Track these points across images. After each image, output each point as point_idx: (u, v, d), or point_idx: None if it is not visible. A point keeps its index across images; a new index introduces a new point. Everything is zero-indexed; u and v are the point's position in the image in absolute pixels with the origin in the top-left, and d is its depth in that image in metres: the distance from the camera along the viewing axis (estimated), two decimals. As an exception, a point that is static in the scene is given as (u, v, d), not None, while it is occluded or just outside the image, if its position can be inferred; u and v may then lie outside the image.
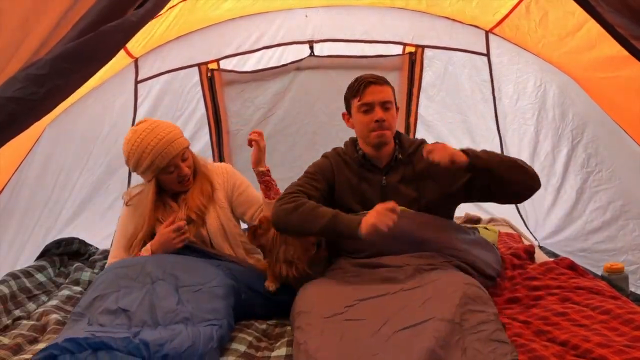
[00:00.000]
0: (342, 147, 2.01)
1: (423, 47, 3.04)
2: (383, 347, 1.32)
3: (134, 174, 2.92)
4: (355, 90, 1.88)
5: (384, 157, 1.92)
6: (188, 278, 1.69)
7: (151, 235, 1.95)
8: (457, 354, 1.27)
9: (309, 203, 1.75)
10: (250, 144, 2.04)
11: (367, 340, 1.35)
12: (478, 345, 1.30)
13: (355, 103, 1.88)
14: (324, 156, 2.00)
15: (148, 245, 1.89)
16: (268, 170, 2.06)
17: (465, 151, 1.70)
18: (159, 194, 1.99)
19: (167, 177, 1.95)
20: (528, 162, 2.92)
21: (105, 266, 2.03)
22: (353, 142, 1.98)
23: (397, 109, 1.94)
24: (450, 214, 1.98)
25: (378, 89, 1.85)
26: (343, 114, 1.99)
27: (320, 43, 3.03)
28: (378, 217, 1.59)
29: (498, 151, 3.10)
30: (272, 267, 1.83)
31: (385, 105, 1.85)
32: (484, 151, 1.75)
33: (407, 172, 1.89)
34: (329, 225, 1.68)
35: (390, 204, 1.62)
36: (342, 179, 1.92)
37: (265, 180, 2.04)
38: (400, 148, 1.93)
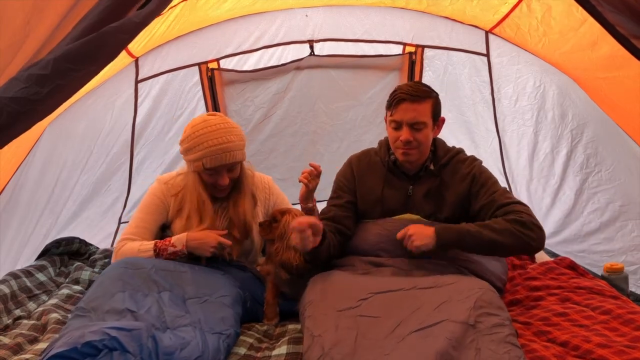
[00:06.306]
0: (376, 146, 1.97)
1: (423, 47, 3.04)
2: (396, 348, 1.32)
3: (134, 174, 2.95)
4: (389, 102, 1.82)
5: (415, 166, 1.86)
6: (194, 290, 1.69)
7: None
8: (470, 354, 1.28)
9: None
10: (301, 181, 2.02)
11: (381, 341, 1.36)
12: (493, 346, 1.30)
13: (388, 116, 1.83)
14: (347, 162, 1.98)
15: (184, 236, 1.86)
16: (314, 206, 2.04)
17: (438, 233, 1.65)
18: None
19: (205, 177, 1.90)
20: (527, 163, 3.01)
21: (116, 242, 1.95)
22: (388, 143, 1.92)
23: (442, 120, 1.85)
24: None
25: (410, 108, 1.75)
26: (385, 117, 1.91)
27: (321, 42, 3.03)
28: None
29: (497, 152, 3.11)
30: (281, 254, 1.82)
31: (414, 126, 1.76)
32: (467, 234, 1.66)
33: (433, 185, 1.83)
34: None
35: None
36: (365, 188, 1.90)
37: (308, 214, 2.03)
38: (433, 157, 1.86)
